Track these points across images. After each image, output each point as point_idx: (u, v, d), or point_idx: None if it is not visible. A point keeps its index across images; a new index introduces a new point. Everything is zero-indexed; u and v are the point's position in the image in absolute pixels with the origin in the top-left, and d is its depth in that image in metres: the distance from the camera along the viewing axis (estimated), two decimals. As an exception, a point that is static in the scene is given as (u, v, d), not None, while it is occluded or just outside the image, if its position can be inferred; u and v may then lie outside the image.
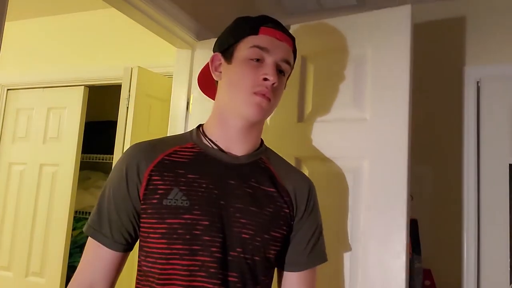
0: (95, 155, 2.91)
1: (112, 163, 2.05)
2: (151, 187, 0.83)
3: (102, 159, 2.87)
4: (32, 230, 2.47)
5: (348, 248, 1.32)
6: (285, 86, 0.97)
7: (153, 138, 0.94)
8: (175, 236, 0.80)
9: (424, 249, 1.69)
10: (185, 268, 0.79)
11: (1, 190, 2.63)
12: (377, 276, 1.26)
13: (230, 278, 0.81)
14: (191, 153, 0.88)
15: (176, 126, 1.71)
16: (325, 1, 2.00)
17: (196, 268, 0.79)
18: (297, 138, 1.46)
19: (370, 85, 1.37)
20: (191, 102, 1.70)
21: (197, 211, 0.81)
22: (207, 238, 0.80)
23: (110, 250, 0.84)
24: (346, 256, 1.32)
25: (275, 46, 0.89)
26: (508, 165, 1.73)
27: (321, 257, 0.96)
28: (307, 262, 0.93)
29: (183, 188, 0.82)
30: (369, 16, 1.40)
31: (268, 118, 1.52)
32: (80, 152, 2.49)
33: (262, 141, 0.98)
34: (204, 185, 0.84)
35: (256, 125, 0.92)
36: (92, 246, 0.85)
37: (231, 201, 0.84)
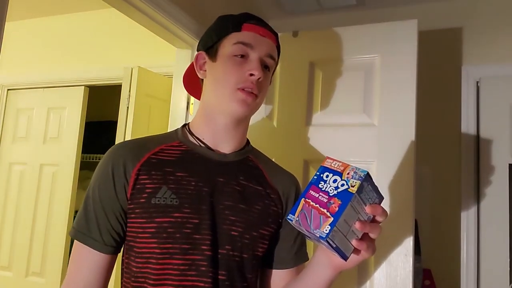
0: (95, 155, 2.91)
1: (112, 163, 2.06)
2: (138, 186, 0.81)
3: (102, 159, 2.87)
4: (32, 230, 2.47)
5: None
6: (270, 82, 0.96)
7: (137, 137, 0.93)
8: (165, 235, 0.79)
9: (424, 249, 1.69)
10: (176, 267, 0.79)
11: (1, 190, 2.63)
12: (385, 275, 1.29)
13: (219, 276, 0.81)
14: (178, 151, 0.88)
15: (176, 126, 1.69)
16: (325, 1, 2.00)
17: (186, 267, 0.79)
18: (306, 141, 1.49)
19: (378, 92, 1.43)
20: (191, 102, 1.70)
21: (187, 209, 0.80)
22: (197, 236, 0.80)
23: (101, 254, 0.81)
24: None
25: (259, 41, 0.89)
26: (508, 165, 1.73)
27: (306, 255, 0.96)
28: (295, 259, 0.92)
29: (172, 186, 0.82)
30: (378, 27, 1.47)
31: (275, 121, 1.55)
32: (80, 152, 2.49)
33: (248, 140, 0.98)
34: (193, 183, 0.83)
35: (242, 122, 0.91)
36: (81, 251, 0.82)
37: (221, 199, 0.84)
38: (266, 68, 0.90)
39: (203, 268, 0.79)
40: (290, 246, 0.92)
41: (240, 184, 0.87)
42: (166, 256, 0.79)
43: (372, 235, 0.72)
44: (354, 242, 0.70)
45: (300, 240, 0.94)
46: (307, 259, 0.96)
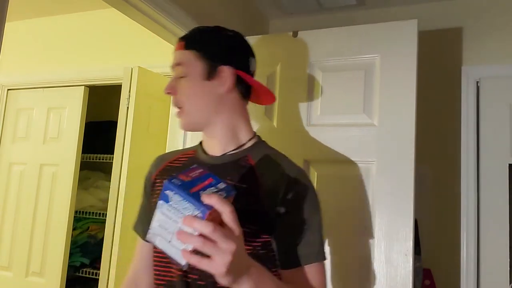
0: (95, 155, 2.90)
1: (112, 163, 2.05)
2: (154, 189, 0.98)
3: (102, 159, 2.86)
4: (32, 230, 2.46)
5: (356, 247, 1.34)
6: (231, 85, 0.93)
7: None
8: None
9: (424, 249, 1.69)
10: (165, 263, 0.90)
11: (1, 190, 2.62)
12: (385, 275, 1.30)
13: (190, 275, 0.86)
14: (186, 159, 1.00)
15: (176, 126, 1.71)
16: (325, 1, 2.00)
17: (167, 259, 0.86)
18: (306, 141, 1.49)
19: (378, 92, 1.43)
20: (191, 102, 1.70)
21: None
22: None
23: (146, 242, 0.97)
24: (355, 255, 1.34)
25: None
26: (508, 165, 1.73)
27: (310, 257, 0.89)
28: (289, 261, 0.88)
29: None
30: (378, 27, 1.47)
31: (275, 121, 1.55)
32: (80, 152, 2.49)
33: (255, 138, 0.98)
34: None
35: (207, 129, 0.97)
36: (137, 241, 1.02)
37: None
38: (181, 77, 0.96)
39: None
40: (286, 247, 0.88)
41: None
42: (159, 254, 0.90)
43: (202, 250, 0.63)
44: (182, 251, 0.66)
45: (295, 241, 0.89)
46: (297, 265, 0.89)
